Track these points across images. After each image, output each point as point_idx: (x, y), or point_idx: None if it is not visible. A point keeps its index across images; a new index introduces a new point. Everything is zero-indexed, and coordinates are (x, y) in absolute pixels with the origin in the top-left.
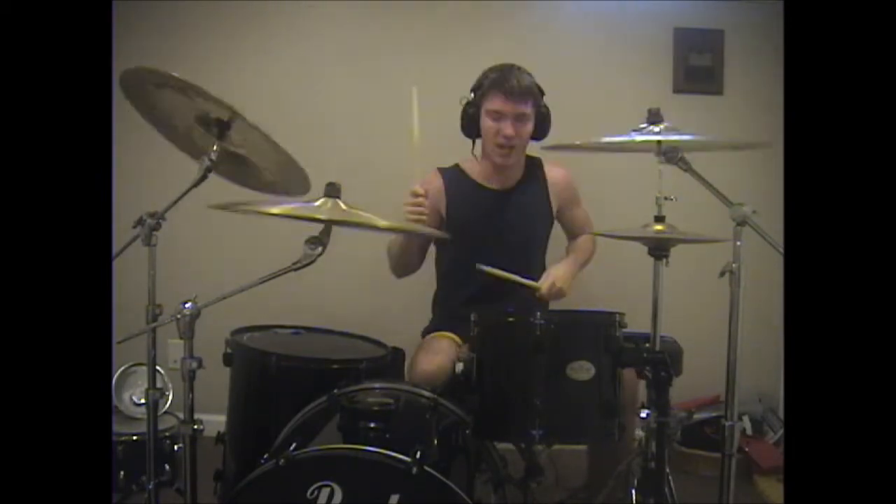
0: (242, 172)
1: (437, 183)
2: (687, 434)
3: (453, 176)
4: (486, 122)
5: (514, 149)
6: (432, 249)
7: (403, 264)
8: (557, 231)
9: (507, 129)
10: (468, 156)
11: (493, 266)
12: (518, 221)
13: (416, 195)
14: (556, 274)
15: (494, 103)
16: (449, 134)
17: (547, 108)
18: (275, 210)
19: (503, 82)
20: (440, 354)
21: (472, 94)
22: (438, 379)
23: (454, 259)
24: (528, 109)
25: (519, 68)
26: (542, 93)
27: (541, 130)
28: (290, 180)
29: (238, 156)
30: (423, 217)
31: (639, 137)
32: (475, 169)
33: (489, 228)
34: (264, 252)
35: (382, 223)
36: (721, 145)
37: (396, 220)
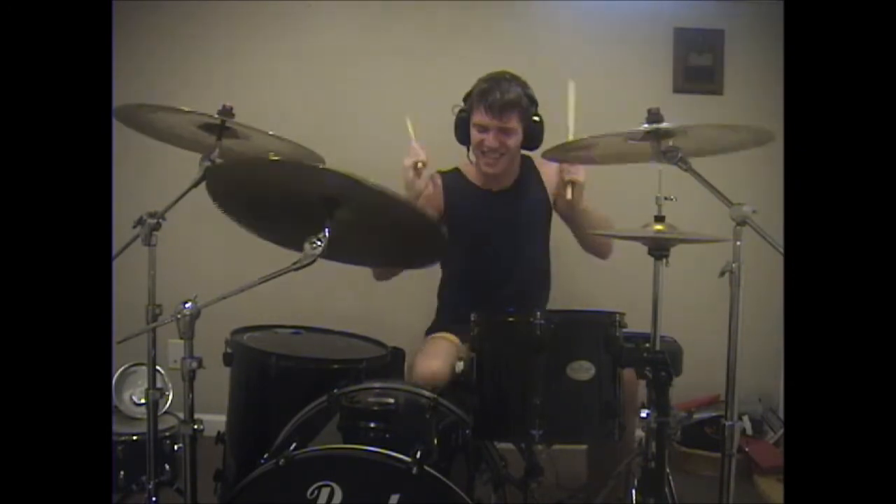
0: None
1: (437, 184)
2: (687, 434)
3: (452, 179)
4: (473, 133)
5: (502, 157)
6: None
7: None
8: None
9: (489, 140)
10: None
11: (496, 264)
12: (519, 219)
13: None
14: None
15: (478, 116)
16: (450, 136)
17: (539, 118)
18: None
19: (487, 96)
20: (438, 358)
21: (464, 103)
22: (436, 382)
23: (457, 259)
24: (513, 123)
25: (509, 79)
26: (534, 103)
27: (532, 141)
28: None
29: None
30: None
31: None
32: (473, 173)
33: (490, 228)
34: (264, 252)
35: (373, 181)
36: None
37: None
